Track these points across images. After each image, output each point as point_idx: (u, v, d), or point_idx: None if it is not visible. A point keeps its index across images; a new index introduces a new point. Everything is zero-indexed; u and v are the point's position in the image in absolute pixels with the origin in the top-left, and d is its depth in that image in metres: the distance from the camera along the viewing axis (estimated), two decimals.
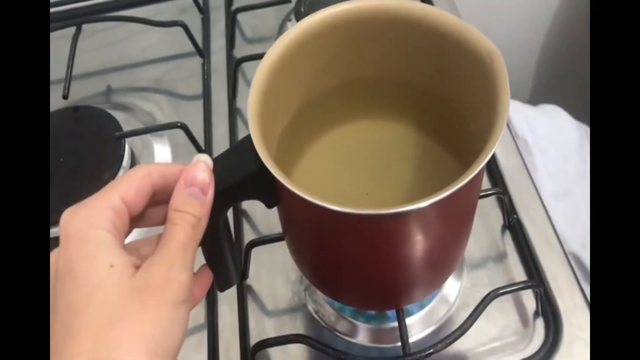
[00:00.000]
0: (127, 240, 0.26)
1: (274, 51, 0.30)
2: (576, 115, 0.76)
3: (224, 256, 0.31)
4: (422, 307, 0.38)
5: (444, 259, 0.32)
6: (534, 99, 0.88)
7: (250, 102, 0.29)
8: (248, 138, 0.28)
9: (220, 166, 0.29)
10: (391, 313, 0.38)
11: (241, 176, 0.28)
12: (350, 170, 0.35)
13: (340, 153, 0.36)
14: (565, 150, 0.76)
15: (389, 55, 0.34)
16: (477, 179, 0.29)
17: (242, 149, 0.28)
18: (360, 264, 0.29)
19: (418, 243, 0.29)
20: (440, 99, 0.34)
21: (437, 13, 0.31)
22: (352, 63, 0.34)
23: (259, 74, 0.30)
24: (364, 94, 0.36)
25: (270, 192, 0.29)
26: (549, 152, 0.76)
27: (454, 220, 0.30)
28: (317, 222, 0.28)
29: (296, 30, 0.31)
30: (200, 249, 0.28)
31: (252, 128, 0.28)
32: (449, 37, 0.31)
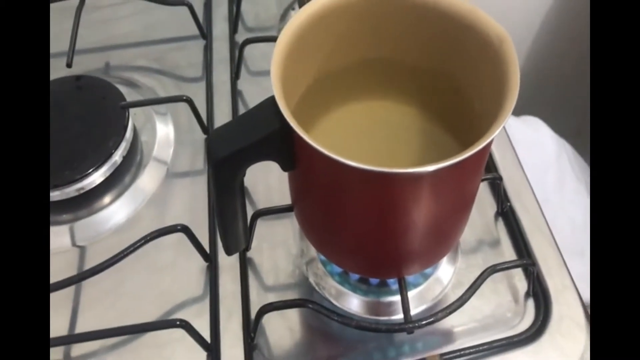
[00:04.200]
0: None
1: (294, 23, 0.31)
2: (555, 128, 0.79)
3: (237, 218, 0.32)
4: (417, 284, 0.39)
5: (449, 229, 0.33)
6: (515, 110, 0.91)
7: (273, 64, 0.30)
8: (269, 100, 0.29)
9: (240, 124, 0.30)
10: (388, 289, 0.39)
11: (262, 135, 0.29)
12: (356, 149, 0.36)
13: (346, 132, 0.37)
14: (544, 162, 0.79)
15: (400, 38, 0.35)
16: (486, 149, 0.31)
17: (263, 109, 0.29)
18: (370, 226, 0.30)
19: (427, 208, 0.30)
20: (447, 81, 0.35)
21: None
22: (363, 43, 0.36)
23: (280, 41, 0.31)
24: (373, 75, 0.37)
25: (289, 152, 0.30)
26: (529, 162, 0.78)
27: (462, 189, 0.31)
28: (334, 181, 0.29)
29: (316, 4, 0.32)
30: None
31: (275, 87, 0.28)
32: (458, 20, 0.32)
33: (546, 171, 0.79)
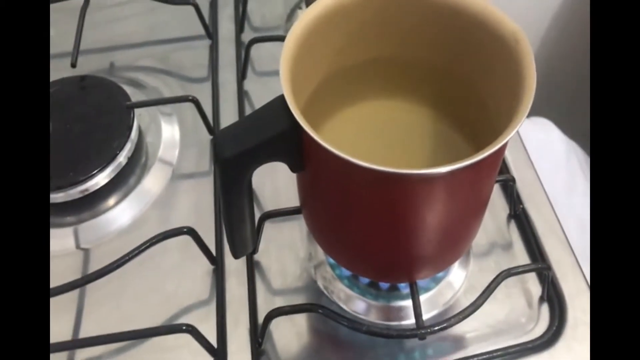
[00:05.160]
0: None
1: (302, 22, 0.31)
2: (565, 130, 0.78)
3: (244, 220, 0.31)
4: (428, 289, 0.38)
5: (462, 233, 0.32)
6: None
7: (282, 62, 0.29)
8: (278, 99, 0.28)
9: (248, 124, 0.29)
10: (399, 293, 0.38)
11: (271, 134, 0.28)
12: (366, 148, 0.36)
13: (355, 131, 0.36)
14: (554, 164, 0.78)
15: (410, 35, 0.35)
16: (502, 151, 0.30)
17: (272, 109, 0.28)
18: (381, 229, 0.30)
19: (440, 210, 0.29)
20: (460, 79, 0.34)
21: None
22: (372, 42, 0.35)
23: (289, 38, 0.30)
24: (383, 73, 0.36)
25: (298, 153, 0.29)
26: (537, 164, 0.78)
27: (476, 191, 0.30)
28: (345, 183, 0.28)
29: (323, 3, 0.31)
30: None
31: (285, 86, 0.28)
32: (472, 17, 0.31)
33: (556, 173, 0.78)
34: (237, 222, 0.31)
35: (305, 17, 0.31)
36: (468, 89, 0.34)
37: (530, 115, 0.85)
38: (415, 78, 0.36)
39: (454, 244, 0.33)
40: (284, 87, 0.28)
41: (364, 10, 0.33)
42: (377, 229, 0.30)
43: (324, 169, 0.28)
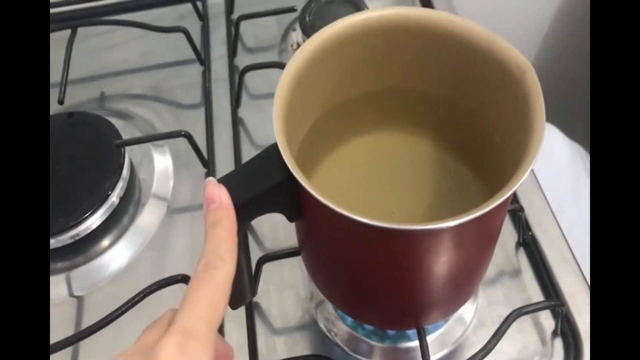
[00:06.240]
0: None
1: (296, 60, 0.29)
2: (568, 134, 0.76)
3: (241, 272, 0.30)
4: (437, 327, 0.37)
5: (471, 276, 0.31)
6: None
7: (275, 111, 0.27)
8: (271, 149, 0.27)
9: (242, 176, 0.27)
10: (406, 333, 0.36)
11: (266, 187, 0.26)
12: (369, 185, 0.34)
13: (357, 166, 0.35)
14: (559, 169, 0.76)
15: (411, 66, 0.33)
16: (509, 198, 0.28)
17: (266, 159, 0.27)
18: (385, 281, 0.28)
19: (447, 261, 0.27)
20: (463, 111, 0.33)
21: (463, 23, 0.30)
22: (372, 73, 0.33)
23: (282, 83, 0.28)
24: (384, 105, 0.35)
25: (295, 204, 0.27)
26: (542, 170, 0.76)
27: (484, 235, 0.29)
28: (347, 237, 0.26)
29: (318, 38, 0.30)
30: None
31: (279, 138, 0.26)
32: (475, 48, 0.30)
33: (560, 178, 0.76)
34: (235, 276, 0.29)
35: (298, 56, 0.29)
36: (472, 121, 0.33)
37: None
38: (417, 110, 0.34)
39: (463, 288, 0.31)
40: (277, 138, 0.26)
41: (360, 43, 0.31)
42: (382, 281, 0.28)
43: (322, 222, 0.27)
